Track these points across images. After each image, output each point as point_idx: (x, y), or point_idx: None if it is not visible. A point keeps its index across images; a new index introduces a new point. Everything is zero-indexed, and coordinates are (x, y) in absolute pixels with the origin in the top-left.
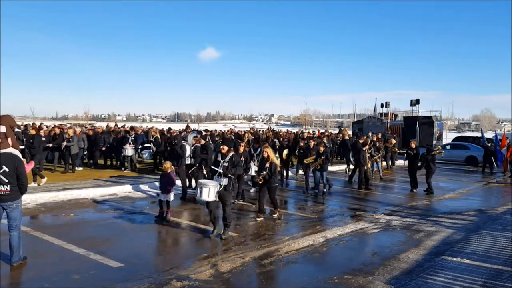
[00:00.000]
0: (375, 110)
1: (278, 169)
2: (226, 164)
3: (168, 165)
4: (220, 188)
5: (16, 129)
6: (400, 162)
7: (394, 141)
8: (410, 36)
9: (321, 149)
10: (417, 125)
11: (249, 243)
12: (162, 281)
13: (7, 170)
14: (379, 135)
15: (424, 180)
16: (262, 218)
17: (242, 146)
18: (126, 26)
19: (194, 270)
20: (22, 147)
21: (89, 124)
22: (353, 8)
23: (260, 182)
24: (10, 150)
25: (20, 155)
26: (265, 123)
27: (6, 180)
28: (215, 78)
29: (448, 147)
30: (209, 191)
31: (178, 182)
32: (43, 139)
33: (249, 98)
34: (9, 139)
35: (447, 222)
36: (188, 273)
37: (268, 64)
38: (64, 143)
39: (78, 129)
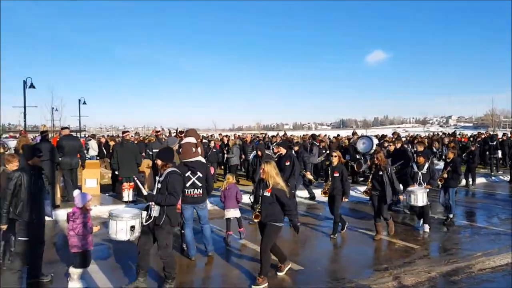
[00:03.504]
0: None
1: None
2: (159, 185)
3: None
4: (147, 221)
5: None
6: None
7: None
8: None
9: (450, 156)
10: None
11: (434, 257)
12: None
13: (200, 175)
14: None
15: None
16: (284, 272)
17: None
18: (290, 37)
19: (375, 280)
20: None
21: (261, 133)
22: None
23: (257, 220)
24: (200, 158)
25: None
26: (441, 126)
27: (200, 184)
28: (382, 81)
29: None
30: (117, 225)
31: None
32: (214, 150)
33: (422, 100)
34: (198, 149)
35: None
36: (369, 283)
37: (443, 61)
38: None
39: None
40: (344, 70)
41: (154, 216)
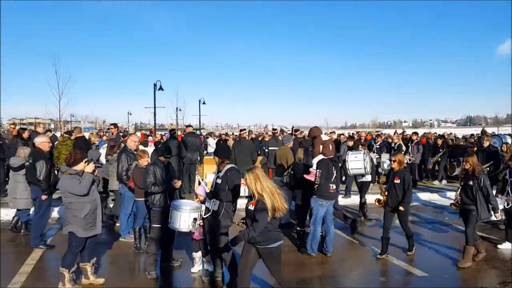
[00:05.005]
0: None
1: (270, 212)
2: (219, 181)
3: None
4: (206, 213)
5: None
6: None
7: None
8: None
9: None
10: None
11: None
12: None
13: (334, 174)
14: None
15: None
16: None
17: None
18: (410, 31)
19: None
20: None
21: (376, 131)
22: None
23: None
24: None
25: None
26: None
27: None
28: None
29: None
30: (180, 217)
31: None
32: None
33: None
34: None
35: None
36: None
37: None
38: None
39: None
40: (472, 61)
41: (213, 210)
